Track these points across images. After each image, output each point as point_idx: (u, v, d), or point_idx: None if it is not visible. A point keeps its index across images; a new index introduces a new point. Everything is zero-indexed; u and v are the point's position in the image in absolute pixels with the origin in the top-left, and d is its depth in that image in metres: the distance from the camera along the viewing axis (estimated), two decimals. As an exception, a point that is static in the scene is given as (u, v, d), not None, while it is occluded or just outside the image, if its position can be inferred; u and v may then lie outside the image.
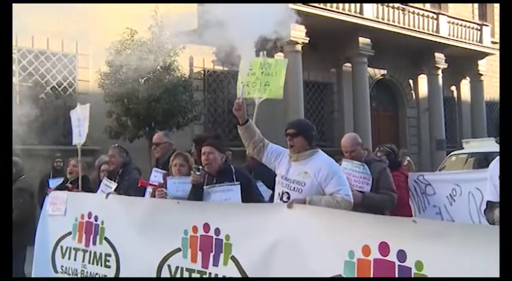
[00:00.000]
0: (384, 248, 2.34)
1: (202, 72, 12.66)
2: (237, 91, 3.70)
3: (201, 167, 3.63)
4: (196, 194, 3.58)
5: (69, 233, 4.27)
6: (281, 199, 3.32)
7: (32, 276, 4.58)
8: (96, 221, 4.10)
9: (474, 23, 17.71)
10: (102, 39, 10.24)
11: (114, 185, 4.66)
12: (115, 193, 4.39)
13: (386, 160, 4.60)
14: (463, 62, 17.24)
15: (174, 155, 4.06)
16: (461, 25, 16.92)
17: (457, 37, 16.60)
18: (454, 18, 16.77)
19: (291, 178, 3.32)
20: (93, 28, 10.82)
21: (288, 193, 3.30)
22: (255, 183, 4.01)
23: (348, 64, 14.86)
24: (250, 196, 3.54)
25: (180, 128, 9.85)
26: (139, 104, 9.22)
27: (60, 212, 4.43)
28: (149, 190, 4.28)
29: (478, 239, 2.07)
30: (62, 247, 4.32)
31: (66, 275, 4.22)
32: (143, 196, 4.34)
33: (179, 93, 9.64)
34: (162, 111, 9.27)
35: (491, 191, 2.78)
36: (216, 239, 3.12)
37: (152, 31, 9.74)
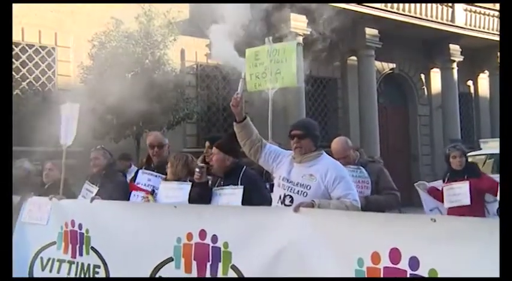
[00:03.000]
0: (394, 255, 2.39)
1: (195, 66, 12.68)
2: (242, 86, 3.73)
3: (202, 165, 3.82)
4: (203, 193, 3.71)
5: (53, 243, 4.29)
6: (283, 202, 3.37)
7: None
8: (80, 229, 4.13)
9: (494, 9, 17.55)
10: (85, 30, 10.29)
11: (95, 189, 4.69)
12: (98, 198, 4.43)
13: (380, 160, 4.68)
14: (481, 54, 17.20)
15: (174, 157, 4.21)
16: (479, 13, 16.77)
17: (474, 26, 16.48)
18: (472, 5, 16.54)
19: (294, 180, 3.38)
20: (74, 17, 10.86)
21: (291, 196, 3.34)
22: (263, 186, 4.08)
23: (354, 57, 14.92)
24: (252, 200, 3.60)
25: (171, 128, 9.88)
26: (125, 101, 9.21)
27: (41, 221, 4.44)
28: (140, 194, 4.31)
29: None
30: (42, 259, 4.33)
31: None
32: (128, 200, 4.39)
33: (170, 89, 9.67)
34: (151, 109, 9.25)
35: None
36: (212, 247, 3.16)
37: (140, 21, 9.77)
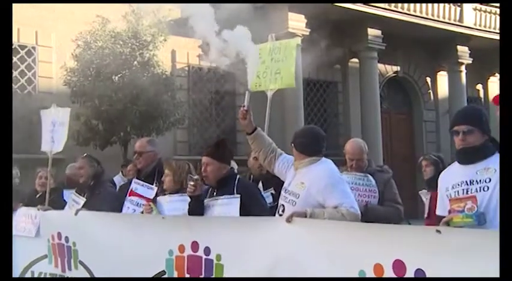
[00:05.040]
0: (399, 267, 2.43)
1: (187, 68, 12.73)
2: (248, 98, 3.79)
3: (195, 177, 3.80)
4: (195, 207, 3.73)
5: (45, 256, 4.31)
6: (278, 212, 3.49)
7: None
8: (67, 242, 4.16)
9: (504, 10, 17.65)
10: (68, 29, 10.32)
11: (82, 200, 4.72)
12: (85, 210, 4.45)
13: (389, 170, 4.73)
14: (491, 56, 17.06)
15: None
16: (489, 12, 16.85)
17: (484, 27, 16.55)
18: (482, 3, 16.60)
19: (290, 189, 3.49)
20: (56, 15, 10.89)
21: (283, 206, 3.46)
22: (259, 194, 4.15)
23: (355, 59, 15.00)
24: (250, 210, 3.65)
25: (161, 133, 9.91)
26: (112, 106, 9.28)
27: (28, 234, 4.46)
28: (139, 201, 4.33)
29: None
30: (33, 273, 4.36)
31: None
32: (120, 212, 4.41)
33: (159, 93, 9.71)
34: (139, 113, 9.34)
35: (440, 205, 2.98)
36: (206, 259, 3.21)
37: (128, 20, 9.83)
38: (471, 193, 2.75)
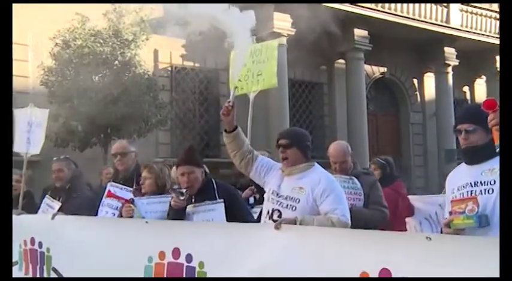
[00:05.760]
0: (384, 276, 2.41)
1: (169, 68, 12.69)
2: (234, 94, 3.74)
3: (184, 190, 3.66)
4: (177, 216, 3.66)
5: (15, 263, 4.24)
6: (271, 217, 3.42)
7: None
8: (40, 248, 4.09)
9: (492, 11, 17.85)
10: (46, 26, 10.19)
11: (57, 204, 4.66)
12: (61, 214, 4.39)
13: (374, 173, 4.79)
14: (478, 58, 17.48)
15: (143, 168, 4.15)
16: (476, 14, 17.11)
17: (470, 28, 16.79)
18: (468, 5, 16.85)
19: (284, 194, 3.43)
20: (34, 12, 10.75)
21: (279, 211, 3.39)
22: (241, 198, 4.11)
23: (341, 60, 15.08)
24: (236, 215, 3.61)
25: (142, 135, 9.85)
26: (92, 107, 9.19)
27: None
28: (115, 204, 4.28)
29: None
30: None
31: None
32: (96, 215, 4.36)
33: (141, 93, 9.65)
34: (120, 115, 9.26)
35: (447, 208, 2.93)
36: (187, 266, 3.16)
37: (108, 18, 9.76)
38: (475, 194, 2.69)
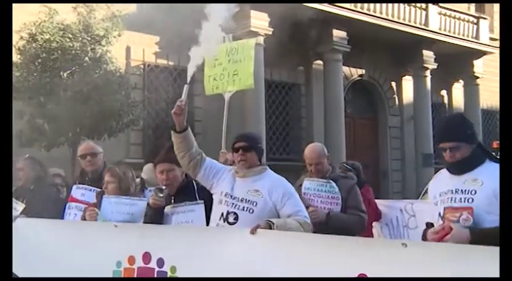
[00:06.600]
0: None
1: (142, 66, 12.59)
2: (186, 92, 3.72)
3: (164, 187, 3.68)
4: (156, 217, 3.64)
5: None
6: (225, 220, 3.44)
7: None
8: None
9: (470, 15, 18.16)
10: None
11: (21, 206, 4.60)
12: (23, 216, 4.33)
13: (354, 176, 4.79)
14: (456, 62, 17.77)
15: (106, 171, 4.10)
16: (454, 17, 17.41)
17: (449, 32, 17.07)
18: (447, 9, 17.14)
19: (238, 196, 3.47)
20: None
21: (235, 213, 3.43)
22: None
23: (319, 61, 15.15)
24: None
25: (113, 135, 9.74)
26: (60, 104, 9.05)
27: None
28: (74, 212, 4.23)
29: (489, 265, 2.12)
30: None
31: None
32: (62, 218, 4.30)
33: (112, 91, 9.54)
34: (90, 113, 9.14)
35: (430, 213, 3.11)
36: (158, 271, 3.14)
37: (78, 12, 9.62)
38: (455, 202, 2.86)
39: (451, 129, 3.01)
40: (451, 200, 2.88)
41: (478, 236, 2.61)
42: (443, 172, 3.09)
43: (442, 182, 3.04)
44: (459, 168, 2.94)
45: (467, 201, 2.82)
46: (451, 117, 3.26)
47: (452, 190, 2.90)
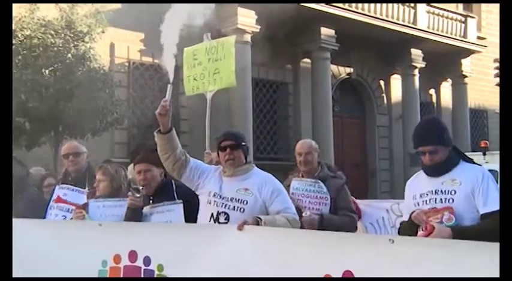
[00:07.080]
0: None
1: (127, 64, 12.54)
2: (170, 92, 3.72)
3: (141, 187, 3.70)
4: (134, 218, 3.66)
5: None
6: (216, 220, 3.45)
7: None
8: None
9: (458, 13, 18.34)
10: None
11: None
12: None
13: (343, 176, 4.82)
14: (444, 61, 17.91)
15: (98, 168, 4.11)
16: (442, 16, 17.57)
17: (437, 30, 17.22)
18: (435, 7, 17.28)
19: (227, 195, 3.48)
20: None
21: (226, 213, 3.44)
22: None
23: (307, 60, 15.19)
24: (195, 216, 3.60)
25: (97, 134, 9.70)
26: (42, 102, 8.99)
27: None
28: (55, 212, 4.22)
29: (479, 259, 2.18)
30: None
31: None
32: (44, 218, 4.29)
33: (96, 89, 9.50)
34: (73, 111, 9.08)
35: (406, 212, 3.26)
36: (145, 270, 3.15)
37: (60, 8, 9.56)
38: (435, 202, 3.02)
39: (429, 133, 3.15)
40: (433, 200, 3.04)
41: (459, 234, 2.73)
42: (420, 174, 3.25)
43: (420, 183, 3.21)
44: (437, 170, 3.09)
45: (448, 201, 2.98)
46: (427, 121, 3.39)
47: (432, 191, 3.07)
